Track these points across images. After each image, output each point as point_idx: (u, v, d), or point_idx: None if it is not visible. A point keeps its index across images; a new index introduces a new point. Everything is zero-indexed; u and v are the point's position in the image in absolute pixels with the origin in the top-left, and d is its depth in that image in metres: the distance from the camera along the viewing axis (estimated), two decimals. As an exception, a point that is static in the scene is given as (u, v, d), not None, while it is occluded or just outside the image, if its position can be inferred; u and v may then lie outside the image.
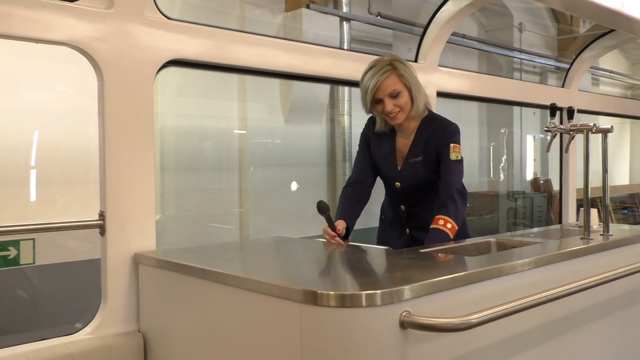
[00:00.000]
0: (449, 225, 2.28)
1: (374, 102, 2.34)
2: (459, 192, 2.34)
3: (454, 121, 2.47)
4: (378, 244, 2.58)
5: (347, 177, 2.64)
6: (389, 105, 2.30)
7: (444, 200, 2.33)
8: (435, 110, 2.63)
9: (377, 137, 2.51)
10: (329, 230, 2.31)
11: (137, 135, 2.10)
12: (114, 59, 2.03)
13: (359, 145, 2.60)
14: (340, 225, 2.35)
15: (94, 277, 2.18)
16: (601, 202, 2.60)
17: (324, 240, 2.34)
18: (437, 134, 2.39)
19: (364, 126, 2.60)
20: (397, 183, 2.45)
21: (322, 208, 2.25)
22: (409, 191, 2.46)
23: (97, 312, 2.06)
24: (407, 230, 2.50)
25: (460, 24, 3.37)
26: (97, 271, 2.11)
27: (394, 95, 2.30)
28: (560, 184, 4.44)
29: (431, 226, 2.30)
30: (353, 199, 2.50)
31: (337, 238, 2.31)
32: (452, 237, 2.26)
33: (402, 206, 2.49)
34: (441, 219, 2.29)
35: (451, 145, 2.36)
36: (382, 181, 2.57)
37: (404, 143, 2.46)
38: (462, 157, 2.39)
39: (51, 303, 3.43)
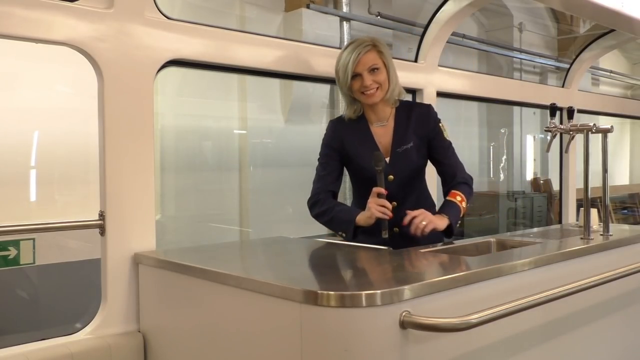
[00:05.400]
0: (463, 204, 2.33)
1: (352, 78, 2.28)
2: (470, 178, 2.42)
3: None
4: None
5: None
6: (368, 79, 2.26)
7: (459, 182, 2.36)
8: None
9: (350, 135, 2.37)
10: (381, 189, 2.16)
11: (137, 135, 2.10)
12: (114, 59, 2.03)
13: (320, 154, 2.43)
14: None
15: (94, 277, 2.18)
16: (601, 202, 2.60)
17: (324, 240, 2.33)
18: (424, 118, 2.39)
19: (325, 133, 2.43)
20: (390, 176, 2.29)
21: (378, 157, 2.17)
22: (402, 182, 2.33)
23: (97, 312, 2.07)
24: (396, 229, 2.29)
25: (460, 24, 3.37)
26: (97, 271, 2.11)
27: (373, 70, 2.27)
28: (560, 184, 4.44)
29: (447, 198, 2.33)
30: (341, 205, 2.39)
31: (386, 201, 2.17)
32: (462, 215, 2.32)
33: (393, 202, 2.23)
34: (459, 195, 2.33)
35: (440, 125, 2.41)
36: (359, 185, 2.40)
37: (382, 133, 2.37)
38: None
39: (51, 303, 3.43)
